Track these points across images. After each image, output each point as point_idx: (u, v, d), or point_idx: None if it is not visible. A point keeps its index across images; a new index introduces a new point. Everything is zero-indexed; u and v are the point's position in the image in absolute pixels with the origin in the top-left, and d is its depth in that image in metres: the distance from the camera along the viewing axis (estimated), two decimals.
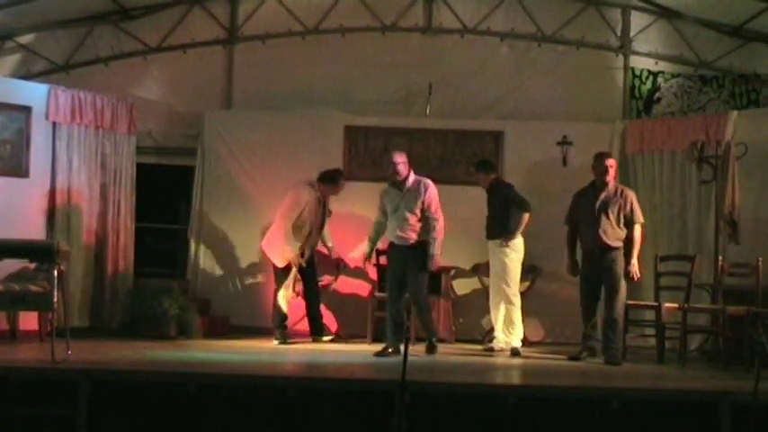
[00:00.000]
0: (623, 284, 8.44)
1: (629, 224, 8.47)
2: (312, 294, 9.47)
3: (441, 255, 8.69)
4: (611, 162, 8.60)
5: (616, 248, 8.42)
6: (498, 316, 9.11)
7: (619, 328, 8.44)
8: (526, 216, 8.98)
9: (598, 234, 8.42)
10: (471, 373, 7.82)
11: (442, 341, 9.46)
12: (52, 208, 9.40)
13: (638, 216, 8.50)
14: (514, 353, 8.90)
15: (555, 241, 9.66)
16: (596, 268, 8.49)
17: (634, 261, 8.43)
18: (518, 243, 9.03)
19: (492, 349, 9.07)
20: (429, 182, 8.80)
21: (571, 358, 8.49)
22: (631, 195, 8.57)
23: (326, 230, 9.67)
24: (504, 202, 9.06)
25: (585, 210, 8.57)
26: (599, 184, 8.56)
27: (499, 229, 9.04)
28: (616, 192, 8.53)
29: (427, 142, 10.36)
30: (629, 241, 8.46)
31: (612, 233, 8.43)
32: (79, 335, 8.45)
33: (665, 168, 9.89)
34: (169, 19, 10.76)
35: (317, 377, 7.10)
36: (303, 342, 9.36)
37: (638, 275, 8.50)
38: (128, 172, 10.07)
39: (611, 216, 8.42)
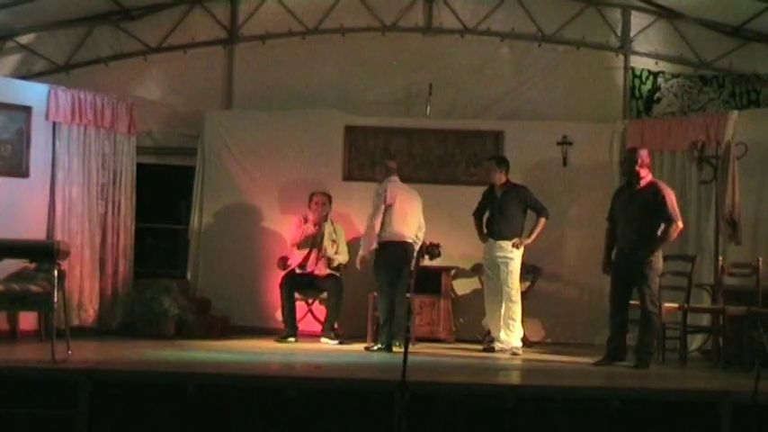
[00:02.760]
0: (651, 284, 8.15)
1: (661, 222, 8.16)
2: (331, 303, 9.52)
3: (363, 252, 9.12)
4: (636, 155, 8.26)
5: (642, 249, 8.12)
6: (495, 317, 9.10)
7: (652, 329, 8.21)
8: (544, 222, 9.02)
9: (627, 233, 8.21)
10: (471, 373, 7.82)
11: (441, 341, 9.51)
12: (52, 208, 9.39)
13: (672, 214, 8.12)
14: (514, 353, 8.90)
15: (555, 241, 9.70)
16: (627, 267, 8.21)
17: (654, 252, 8.06)
18: None
19: (492, 349, 9.07)
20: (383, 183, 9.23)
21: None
22: (665, 192, 8.19)
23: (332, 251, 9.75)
24: (519, 204, 9.05)
25: (621, 207, 8.32)
26: (631, 180, 8.32)
27: (513, 229, 9.02)
28: (648, 188, 8.23)
29: (427, 142, 10.37)
30: (659, 237, 8.16)
31: (643, 232, 8.17)
32: (79, 335, 8.45)
33: (665, 168, 9.87)
34: (169, 19, 10.76)
35: (317, 377, 7.09)
36: (303, 341, 9.37)
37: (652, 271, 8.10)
38: (128, 172, 10.06)
39: (639, 214, 8.16)
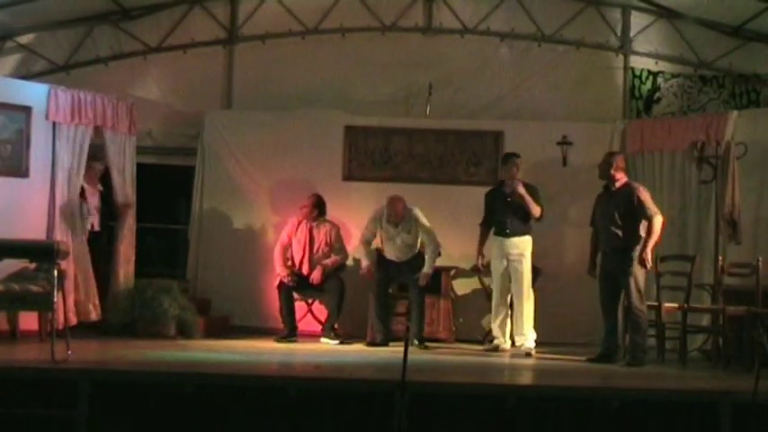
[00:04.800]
0: (636, 283, 8.27)
1: (641, 220, 8.31)
2: (333, 304, 9.48)
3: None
4: (611, 160, 8.53)
5: (625, 248, 8.30)
6: (503, 317, 9.07)
7: (641, 328, 8.31)
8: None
9: (607, 235, 8.39)
10: (471, 373, 7.82)
11: (441, 341, 9.52)
12: (52, 208, 9.38)
13: (650, 210, 8.31)
14: (528, 353, 8.85)
15: (555, 241, 9.69)
16: (612, 268, 8.40)
17: (647, 250, 8.21)
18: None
19: (496, 348, 9.03)
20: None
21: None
22: (638, 190, 8.40)
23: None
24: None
25: (599, 211, 8.57)
26: (608, 183, 8.55)
27: (526, 226, 9.03)
28: (622, 189, 8.44)
29: (427, 142, 10.37)
30: (646, 235, 8.29)
31: (620, 233, 8.33)
32: (79, 335, 8.45)
33: (665, 168, 9.88)
34: (169, 19, 10.76)
35: (317, 377, 7.09)
36: (303, 341, 9.37)
37: (650, 263, 8.29)
38: (128, 172, 10.05)
39: (617, 216, 8.34)
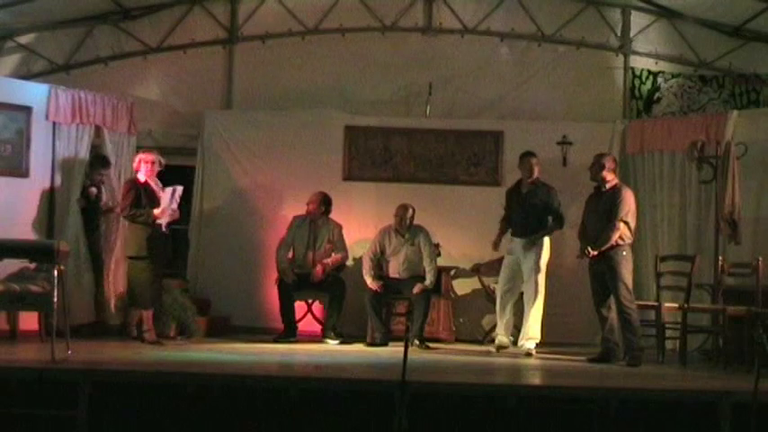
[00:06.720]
0: (623, 282, 8.31)
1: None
2: (333, 303, 9.49)
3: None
4: (602, 161, 8.53)
5: (611, 248, 8.32)
6: (508, 317, 9.02)
7: (631, 325, 8.32)
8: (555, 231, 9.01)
9: (595, 235, 8.42)
10: (471, 373, 7.82)
11: (441, 341, 9.51)
12: (52, 208, 9.39)
13: (620, 214, 8.30)
14: (528, 353, 8.82)
15: (554, 241, 9.66)
16: (598, 269, 8.46)
17: (595, 247, 8.28)
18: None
19: (499, 347, 9.01)
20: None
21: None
22: (623, 193, 8.42)
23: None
24: (543, 206, 8.95)
25: (589, 210, 8.62)
26: (598, 184, 8.58)
27: (538, 228, 8.93)
28: (611, 191, 8.47)
29: (427, 142, 10.37)
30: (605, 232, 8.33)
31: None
32: (79, 335, 8.45)
33: (665, 168, 9.89)
34: (169, 19, 10.77)
35: (318, 377, 7.09)
36: (303, 341, 9.37)
37: (582, 256, 8.43)
38: (128, 172, 10.03)
39: (604, 217, 8.38)
